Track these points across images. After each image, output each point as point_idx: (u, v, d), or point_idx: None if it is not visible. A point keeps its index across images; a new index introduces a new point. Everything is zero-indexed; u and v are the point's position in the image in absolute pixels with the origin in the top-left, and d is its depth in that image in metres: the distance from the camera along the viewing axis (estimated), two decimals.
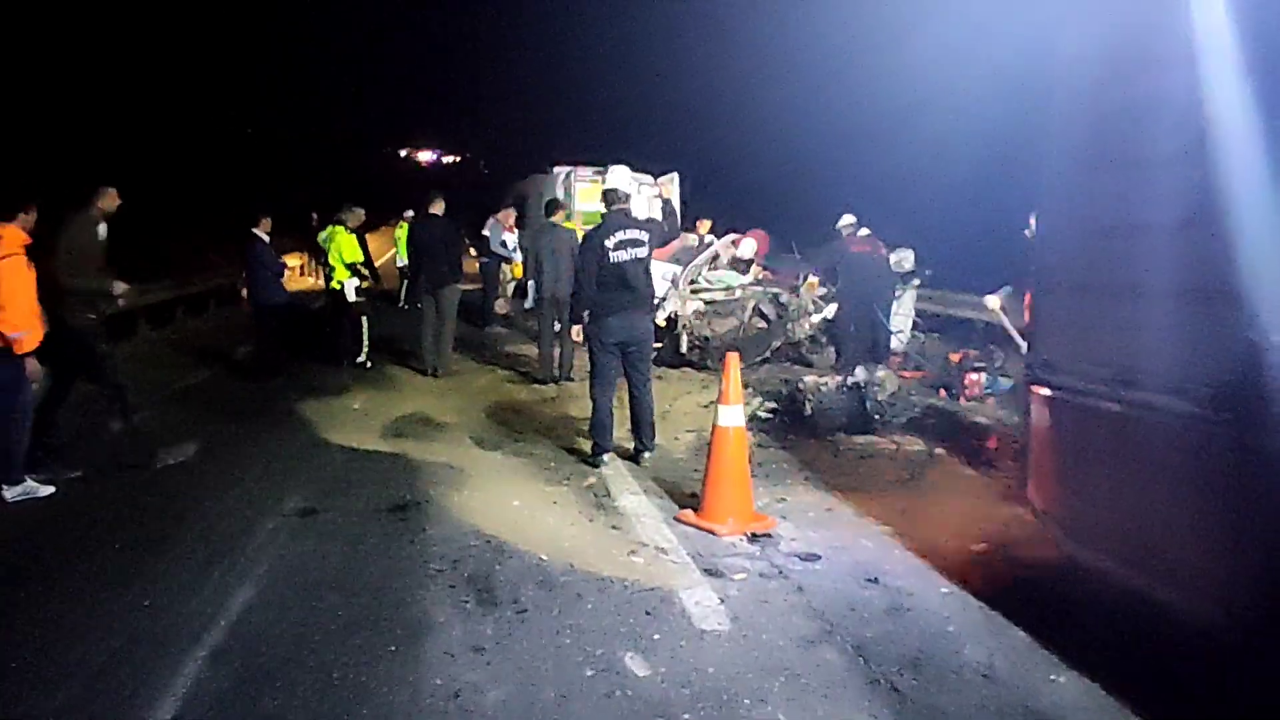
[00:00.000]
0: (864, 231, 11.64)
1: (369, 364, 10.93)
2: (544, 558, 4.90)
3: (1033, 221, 7.58)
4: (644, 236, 6.54)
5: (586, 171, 15.72)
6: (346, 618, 4.17)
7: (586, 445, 7.00)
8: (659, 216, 6.99)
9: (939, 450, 7.37)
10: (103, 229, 6.98)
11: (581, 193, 15.82)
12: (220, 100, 29.66)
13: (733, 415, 5.42)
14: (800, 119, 24.46)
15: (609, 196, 6.63)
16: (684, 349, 11.12)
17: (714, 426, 5.48)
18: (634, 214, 6.68)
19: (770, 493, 6.16)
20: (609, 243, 6.44)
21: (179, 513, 5.66)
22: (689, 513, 5.56)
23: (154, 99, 21.95)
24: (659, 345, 11.54)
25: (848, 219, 11.53)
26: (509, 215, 14.96)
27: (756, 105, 26.93)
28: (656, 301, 12.06)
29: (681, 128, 30.43)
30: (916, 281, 12.67)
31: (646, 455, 6.82)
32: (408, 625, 4.10)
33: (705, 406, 9.04)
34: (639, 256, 6.51)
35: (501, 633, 4.02)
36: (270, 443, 7.44)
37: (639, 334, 6.60)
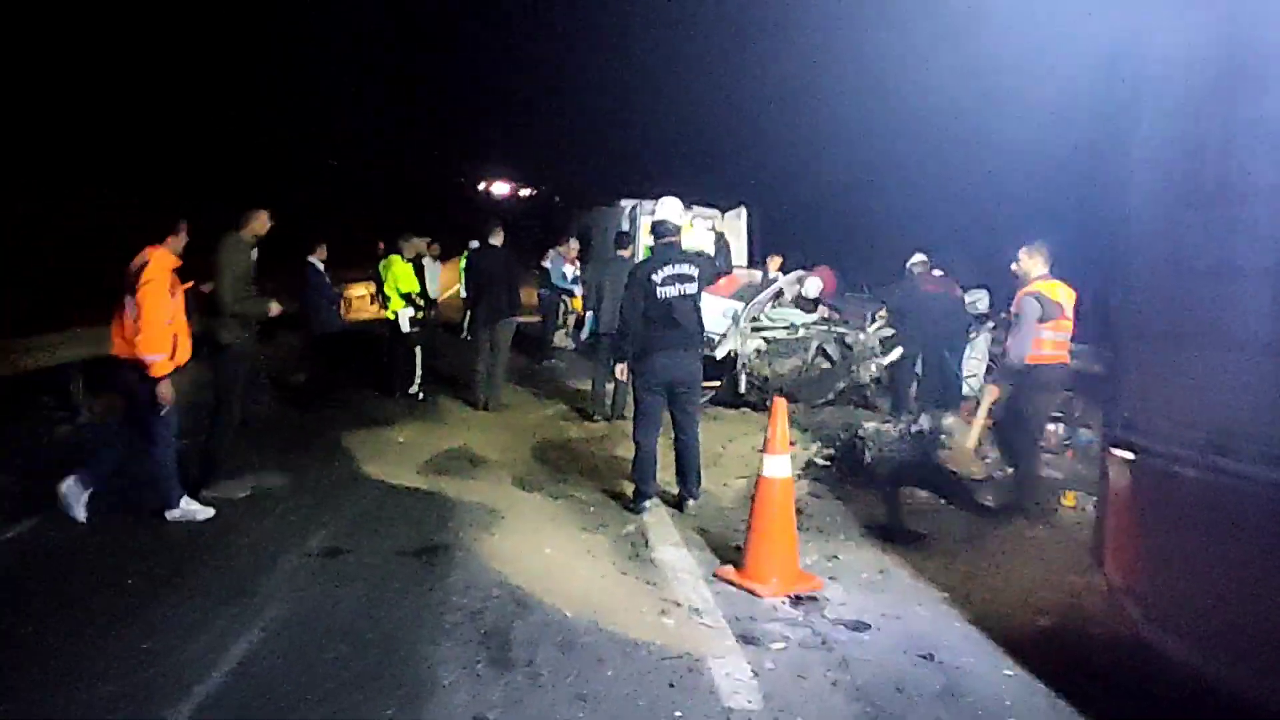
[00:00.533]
0: (937, 272, 11.16)
1: (421, 395, 10.77)
2: (568, 614, 4.56)
3: (1021, 257, 6.97)
4: (694, 271, 6.21)
5: (653, 205, 15.49)
6: (350, 673, 3.89)
7: (630, 489, 6.65)
8: (711, 251, 6.67)
9: (1009, 508, 6.83)
10: (254, 252, 7.01)
11: (647, 227, 15.59)
12: (295, 133, 30.26)
13: (779, 466, 5.03)
14: (878, 155, 23.99)
15: (658, 229, 6.34)
16: (743, 389, 10.73)
17: (759, 477, 5.09)
18: (685, 248, 6.35)
19: (820, 549, 5.73)
20: (657, 277, 6.13)
21: (201, 547, 5.48)
22: (730, 569, 5.17)
23: (210, 120, 22.34)
24: (717, 384, 11.20)
25: (919, 258, 11.05)
26: (571, 248, 14.80)
27: (834, 142, 26.53)
28: (717, 338, 11.77)
29: (756, 161, 30.17)
30: (991, 324, 12.08)
31: (691, 503, 6.45)
32: (412, 685, 3.79)
33: (761, 451, 8.63)
34: (688, 292, 6.18)
35: (510, 699, 3.69)
36: (308, 474, 7.26)
37: (687, 374, 6.26)
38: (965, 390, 11.17)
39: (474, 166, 62.51)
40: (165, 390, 5.77)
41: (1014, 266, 6.98)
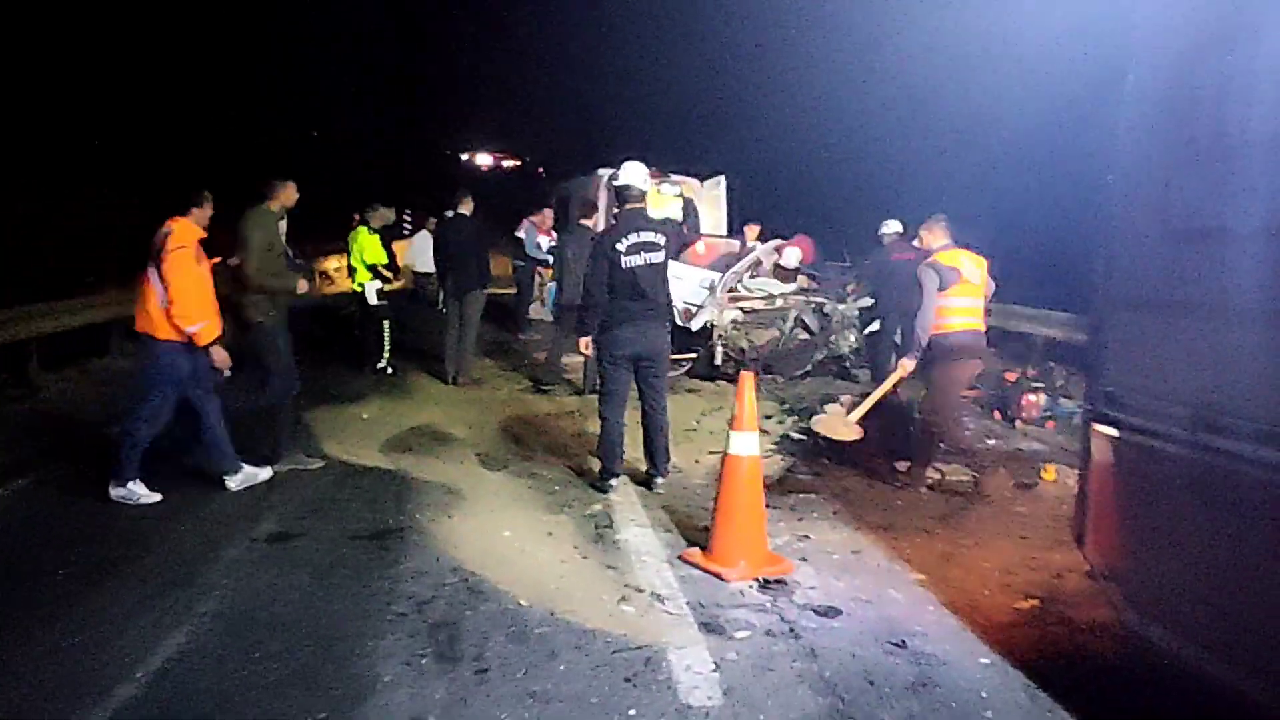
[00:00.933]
0: (894, 226, 10.84)
1: (390, 370, 10.47)
2: (523, 603, 4.32)
3: (922, 233, 6.96)
4: (660, 239, 5.93)
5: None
6: (284, 671, 3.63)
7: (598, 466, 6.41)
8: (679, 218, 6.37)
9: (989, 482, 6.63)
10: (282, 225, 6.77)
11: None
12: (267, 102, 29.64)
13: (746, 443, 4.79)
14: (857, 119, 23.64)
15: (622, 195, 6.03)
16: (719, 361, 10.48)
17: (724, 455, 4.85)
18: (651, 215, 6.06)
19: (791, 529, 5.51)
20: (621, 246, 5.85)
21: (144, 533, 5.20)
22: (696, 552, 4.94)
23: (178, 97, 21.87)
24: (693, 357, 10.95)
25: (891, 225, 10.74)
26: (545, 218, 14.46)
27: (814, 106, 26.11)
28: (694, 309, 11.49)
29: (735, 129, 29.72)
30: None
31: (659, 481, 6.21)
32: (350, 684, 3.54)
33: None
34: (654, 261, 5.90)
35: (453, 697, 3.44)
36: (262, 452, 6.95)
37: (654, 347, 5.99)
38: None
39: (460, 137, 61.60)
40: (220, 355, 5.80)
41: (915, 243, 6.85)
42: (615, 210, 6.09)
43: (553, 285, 11.05)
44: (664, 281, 6.01)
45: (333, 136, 39.92)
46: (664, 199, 11.92)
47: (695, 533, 5.31)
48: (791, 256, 12.14)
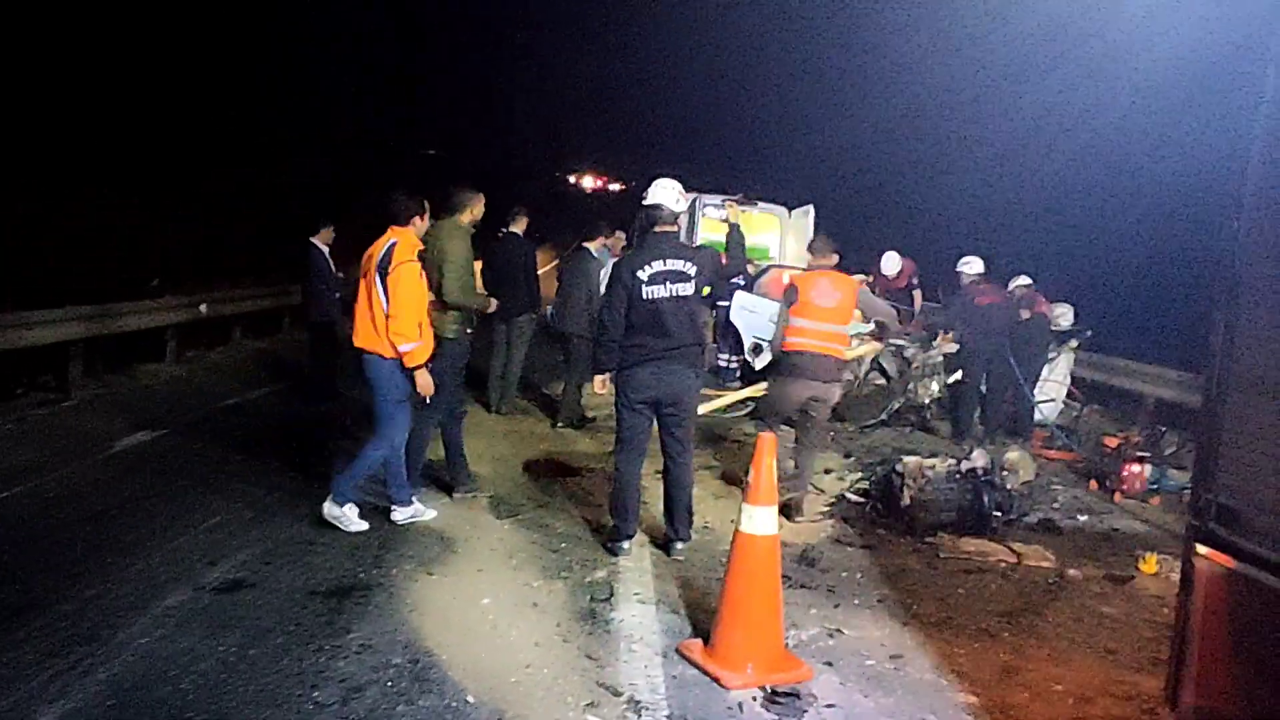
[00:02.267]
0: (1023, 281, 9.84)
1: None
2: (470, 699, 3.57)
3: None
4: (690, 269, 5.13)
5: (715, 199, 14.44)
6: None
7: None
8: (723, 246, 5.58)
9: (1073, 571, 5.62)
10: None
11: (705, 223, 14.63)
12: (385, 125, 29.95)
13: (762, 520, 3.95)
14: (958, 153, 22.42)
15: (650, 215, 5.24)
16: None
17: (736, 533, 4.02)
18: (682, 240, 5.27)
19: (823, 618, 4.63)
20: (642, 274, 5.07)
21: (84, 570, 4.65)
22: (697, 645, 4.11)
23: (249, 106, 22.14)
24: (760, 391, 10.09)
25: (973, 265, 9.72)
26: (617, 241, 13.80)
27: (912, 138, 25.00)
28: (765, 345, 10.66)
29: (833, 161, 28.71)
30: (1074, 343, 10.68)
31: (679, 547, 5.40)
32: None
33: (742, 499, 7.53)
34: (681, 294, 5.10)
35: None
36: (258, 481, 6.42)
37: (676, 391, 5.19)
38: (1039, 417, 9.86)
39: (569, 160, 62.05)
40: (424, 380, 5.45)
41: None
42: (641, 233, 5.32)
43: (549, 310, 10.42)
44: (693, 318, 5.19)
45: (436, 153, 40.39)
46: (712, 224, 11.32)
47: (707, 615, 4.46)
48: (890, 263, 11.57)
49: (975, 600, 5.08)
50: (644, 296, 5.05)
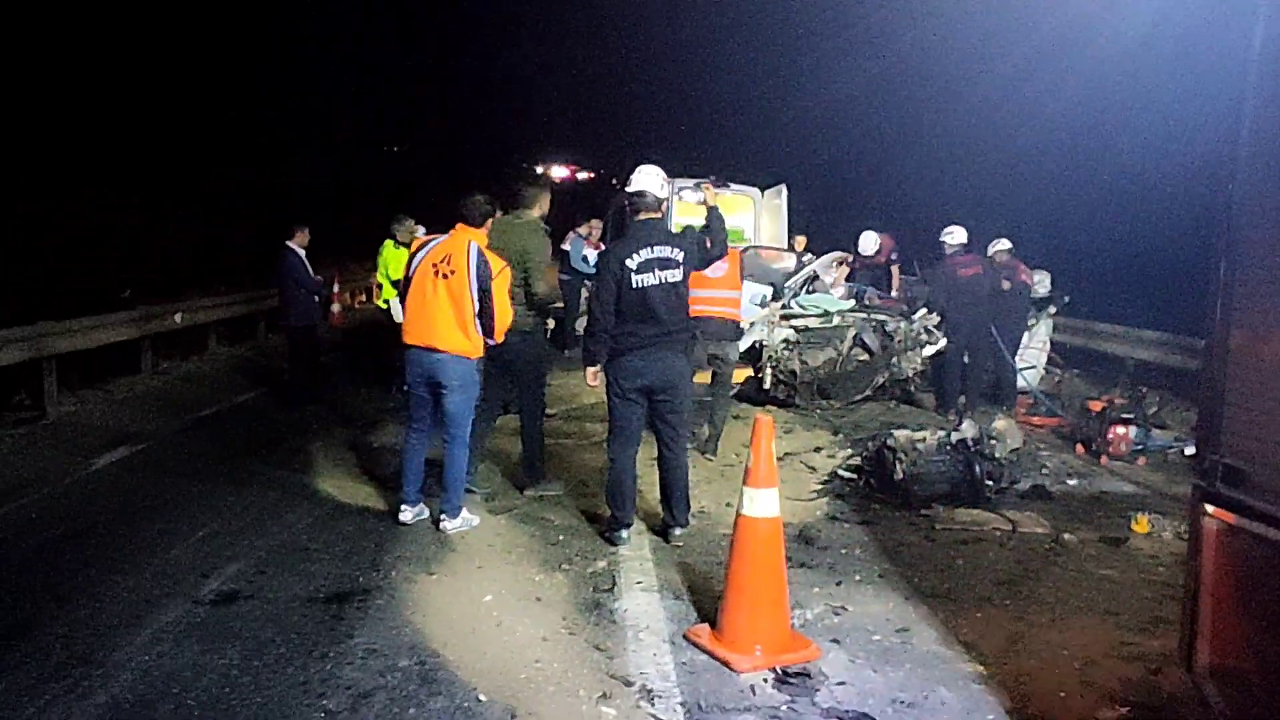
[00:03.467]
0: (1003, 245, 9.84)
1: None
2: (482, 698, 3.53)
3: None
4: (677, 255, 5.11)
5: (689, 183, 14.40)
6: None
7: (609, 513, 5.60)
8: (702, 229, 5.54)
9: (1068, 536, 5.65)
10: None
11: (681, 207, 14.59)
12: (269, 102, 29.62)
13: (764, 502, 3.93)
14: (928, 123, 22.43)
15: (635, 203, 5.22)
16: (768, 385, 9.59)
17: (738, 516, 4.00)
18: (665, 225, 5.24)
19: (827, 596, 4.63)
20: (631, 263, 5.04)
21: (72, 590, 4.56)
22: (704, 630, 4.10)
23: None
24: (751, 373, 10.10)
25: (955, 234, 9.72)
26: (593, 230, 13.75)
27: (883, 108, 24.97)
28: (745, 326, 10.64)
29: (802, 138, 28.66)
30: (1053, 309, 10.75)
31: (677, 533, 5.39)
32: None
33: (781, 458, 7.53)
34: (670, 281, 5.08)
35: None
36: (245, 490, 6.33)
37: (668, 378, 5.17)
38: (1021, 384, 9.93)
39: (536, 150, 61.47)
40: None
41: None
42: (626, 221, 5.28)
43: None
44: (682, 303, 5.18)
45: (397, 148, 39.97)
46: (688, 208, 11.25)
47: (711, 600, 4.45)
48: (869, 242, 11.50)
49: (975, 570, 5.10)
50: (633, 285, 5.01)
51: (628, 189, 5.24)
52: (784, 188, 16.38)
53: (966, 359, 9.69)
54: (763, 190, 16.74)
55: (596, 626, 4.25)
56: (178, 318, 11.72)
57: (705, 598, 4.52)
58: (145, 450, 7.58)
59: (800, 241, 11.83)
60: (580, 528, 5.69)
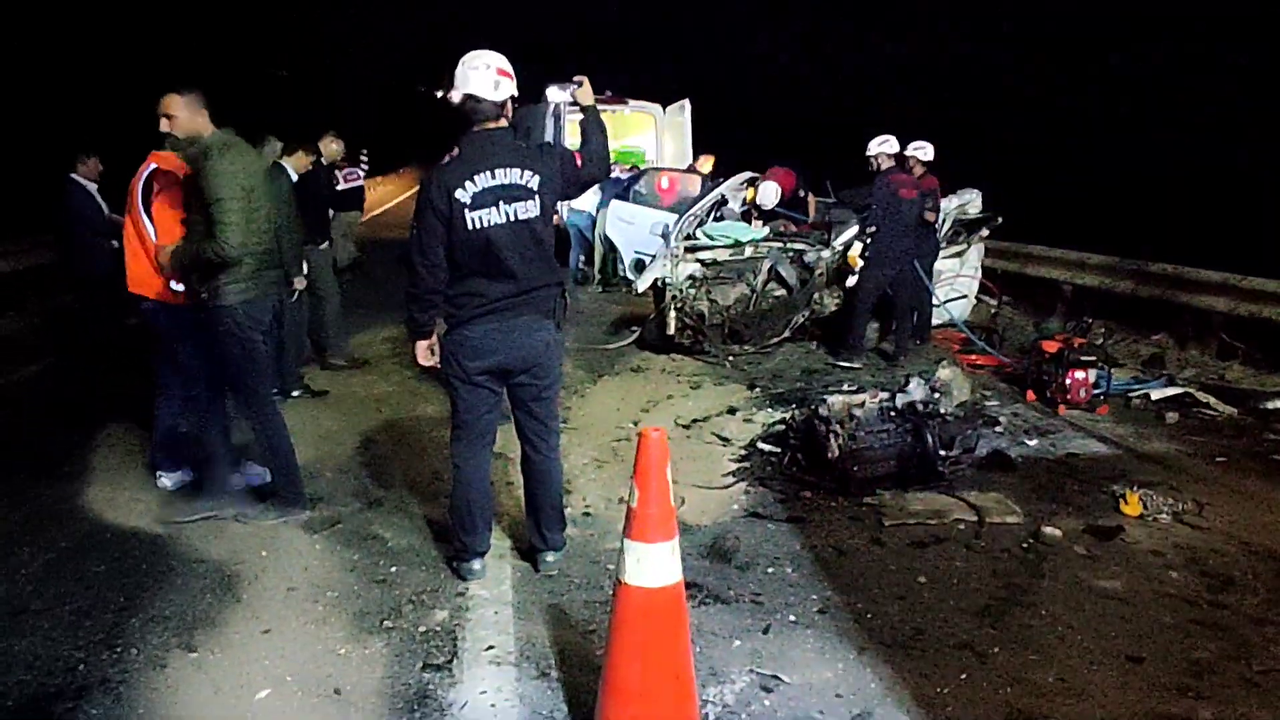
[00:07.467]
0: (922, 155, 8.46)
1: None
2: None
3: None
4: (532, 180, 3.59)
5: (556, 88, 12.73)
6: None
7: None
8: (577, 145, 4.01)
9: (1049, 529, 4.47)
10: None
11: (573, 127, 12.95)
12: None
13: (656, 564, 2.56)
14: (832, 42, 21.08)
15: (466, 111, 3.65)
16: (672, 329, 8.21)
17: (618, 584, 2.63)
18: (513, 140, 3.68)
19: (751, 651, 3.33)
20: (461, 195, 3.50)
21: None
22: None
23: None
24: (640, 324, 8.76)
25: (888, 144, 8.24)
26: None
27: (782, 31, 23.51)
28: (649, 259, 9.23)
29: (698, 50, 27.01)
30: (985, 232, 9.56)
31: (550, 558, 4.00)
32: None
33: (688, 426, 6.21)
34: (523, 217, 3.57)
35: None
36: None
37: (529, 353, 3.70)
38: (947, 317, 8.84)
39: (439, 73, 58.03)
40: None
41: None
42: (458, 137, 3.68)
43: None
44: (543, 247, 3.67)
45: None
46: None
47: (590, 675, 3.12)
48: (769, 194, 9.80)
49: (943, 594, 3.86)
50: (469, 226, 3.49)
51: (451, 94, 3.65)
52: (687, 103, 15.08)
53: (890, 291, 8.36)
54: (664, 107, 15.48)
55: None
56: None
57: (582, 673, 3.18)
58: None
59: (707, 161, 10.38)
60: (422, 550, 4.26)
